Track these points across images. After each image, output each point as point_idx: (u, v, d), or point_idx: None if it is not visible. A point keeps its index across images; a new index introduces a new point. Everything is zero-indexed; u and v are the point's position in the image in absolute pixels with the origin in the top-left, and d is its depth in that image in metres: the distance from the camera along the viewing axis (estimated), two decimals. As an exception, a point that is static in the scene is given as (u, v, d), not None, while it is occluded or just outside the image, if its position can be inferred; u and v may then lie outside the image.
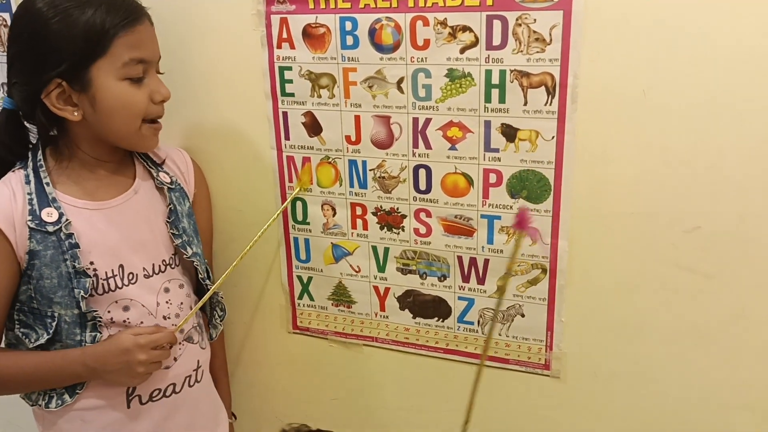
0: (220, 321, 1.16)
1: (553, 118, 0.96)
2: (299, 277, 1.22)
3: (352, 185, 1.11)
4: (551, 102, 0.95)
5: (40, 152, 0.99)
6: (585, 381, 1.07)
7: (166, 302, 1.04)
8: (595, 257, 1.00)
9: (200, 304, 1.06)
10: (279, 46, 1.08)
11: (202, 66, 1.14)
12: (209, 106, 1.17)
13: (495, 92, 0.97)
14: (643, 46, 0.89)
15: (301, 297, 1.23)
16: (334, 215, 1.14)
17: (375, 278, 1.16)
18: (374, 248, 1.14)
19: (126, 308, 1.00)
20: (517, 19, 0.93)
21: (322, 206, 1.15)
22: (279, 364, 1.30)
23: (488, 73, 0.97)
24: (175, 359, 1.06)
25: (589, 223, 0.99)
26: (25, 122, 1.00)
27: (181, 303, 1.07)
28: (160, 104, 0.99)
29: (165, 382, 1.05)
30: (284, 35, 1.06)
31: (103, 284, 0.98)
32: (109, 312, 0.99)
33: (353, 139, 1.08)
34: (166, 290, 1.05)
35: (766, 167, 0.88)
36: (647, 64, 0.89)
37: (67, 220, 0.96)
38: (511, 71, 0.95)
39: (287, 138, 1.13)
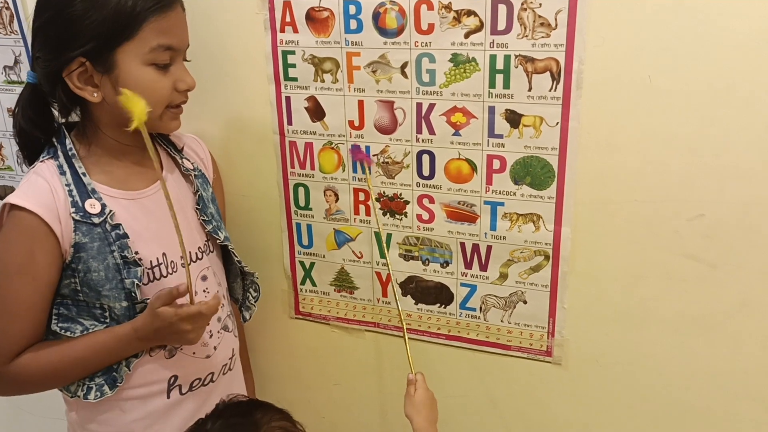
0: (254, 302, 1.15)
1: (558, 104, 0.95)
2: (302, 263, 1.22)
3: (355, 171, 1.11)
4: (556, 88, 0.94)
5: (68, 140, 0.96)
6: (587, 368, 1.07)
7: (204, 291, 1.04)
8: (598, 244, 1.00)
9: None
10: (282, 30, 1.07)
11: (205, 50, 1.13)
12: (212, 91, 1.16)
13: (499, 78, 0.97)
14: (648, 31, 0.88)
15: (303, 282, 1.23)
16: (336, 201, 1.14)
17: (377, 264, 1.15)
18: (377, 234, 1.13)
19: None
20: (522, 4, 0.92)
21: (324, 192, 1.15)
22: (281, 349, 1.31)
23: (493, 58, 0.96)
24: (215, 348, 1.05)
25: (592, 210, 0.99)
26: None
27: (218, 291, 1.07)
28: (183, 93, 0.97)
29: (205, 372, 1.05)
30: (287, 19, 1.06)
31: (149, 273, 0.97)
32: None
33: (356, 124, 1.08)
34: (204, 278, 1.04)
35: (772, 155, 0.88)
36: (653, 50, 0.88)
37: (111, 210, 0.94)
38: (516, 56, 0.95)
39: (290, 123, 1.12)
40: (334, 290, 1.21)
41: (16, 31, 1.30)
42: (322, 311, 1.24)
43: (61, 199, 0.92)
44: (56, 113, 0.98)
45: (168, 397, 1.02)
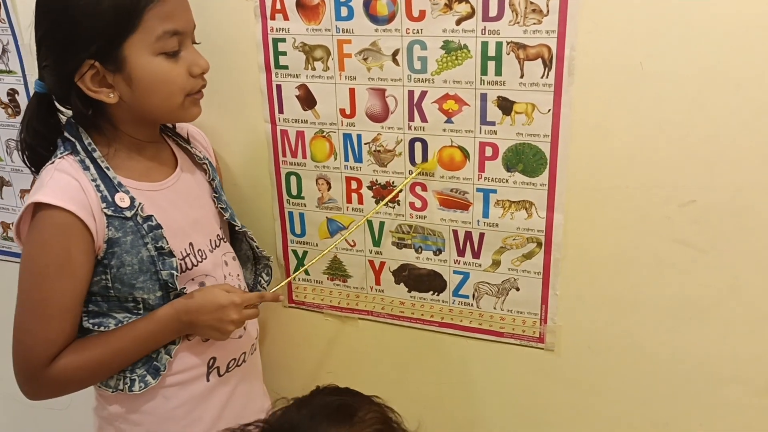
0: (266, 286, 1.16)
1: (550, 91, 0.95)
2: (294, 252, 1.22)
3: (347, 159, 1.11)
4: (548, 74, 0.94)
5: (85, 135, 0.93)
6: (579, 354, 1.08)
7: (228, 275, 1.05)
8: (590, 231, 1.00)
9: (305, 268, 1.16)
10: (272, 17, 1.06)
11: (195, 37, 1.12)
12: (202, 79, 1.15)
13: (491, 64, 0.96)
14: (640, 17, 0.88)
15: (296, 271, 1.23)
16: (328, 189, 1.14)
17: (370, 252, 1.15)
18: (370, 222, 1.13)
19: (202, 284, 1.00)
20: (513, -10, 0.92)
21: (316, 180, 1.14)
22: (275, 337, 1.31)
23: (484, 45, 0.96)
24: (245, 327, 1.06)
25: (584, 197, 0.99)
26: (59, 106, 0.96)
27: (238, 274, 1.08)
28: (199, 77, 0.94)
29: (238, 351, 1.06)
30: (278, 6, 1.05)
31: (180, 264, 0.96)
32: (185, 290, 0.97)
33: (348, 112, 1.07)
34: (226, 263, 1.05)
35: (762, 140, 0.88)
36: (644, 35, 0.88)
37: (140, 203, 0.93)
38: (508, 43, 0.94)
39: (281, 111, 1.12)
40: (327, 279, 1.21)
41: (4, 20, 1.28)
42: (315, 300, 1.24)
43: (92, 195, 0.90)
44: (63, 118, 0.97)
45: (207, 380, 1.03)
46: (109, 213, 0.91)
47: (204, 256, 1.01)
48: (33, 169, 0.97)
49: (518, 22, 0.93)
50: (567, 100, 0.94)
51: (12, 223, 1.44)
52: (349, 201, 1.13)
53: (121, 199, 0.92)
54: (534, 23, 0.92)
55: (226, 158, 1.20)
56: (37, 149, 0.95)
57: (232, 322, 0.95)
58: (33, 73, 1.31)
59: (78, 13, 0.85)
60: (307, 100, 1.09)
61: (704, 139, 0.90)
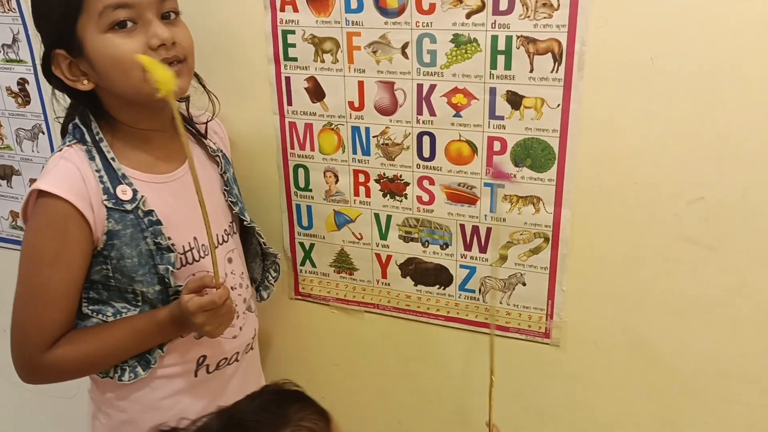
0: (274, 282, 1.16)
1: (560, 86, 0.95)
2: (301, 244, 1.22)
3: (355, 152, 1.11)
4: (558, 69, 0.94)
5: (94, 124, 0.94)
6: (585, 350, 1.08)
7: (231, 273, 1.04)
8: (598, 227, 1.00)
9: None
10: (282, 9, 1.06)
11: (205, 29, 1.12)
12: (211, 70, 1.15)
13: (501, 58, 0.96)
14: (651, 12, 0.87)
15: (303, 263, 1.23)
16: (336, 182, 1.14)
17: (377, 246, 1.16)
18: (377, 216, 1.13)
19: None
20: (524, -16, 0.91)
21: (324, 173, 1.14)
22: (281, 329, 1.31)
23: (494, 38, 0.95)
24: (241, 328, 1.06)
25: (592, 193, 0.98)
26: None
27: (242, 273, 1.07)
28: (162, 48, 0.88)
29: (232, 351, 1.06)
30: (288, -2, 1.05)
31: (181, 258, 0.96)
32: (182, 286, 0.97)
33: (356, 105, 1.07)
34: (230, 260, 1.04)
35: (774, 138, 0.88)
36: (656, 31, 0.88)
37: (142, 196, 0.93)
38: (518, 37, 0.94)
39: (290, 103, 1.12)
40: (334, 271, 1.21)
41: (14, 9, 1.28)
42: (321, 292, 1.24)
43: (93, 185, 0.90)
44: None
45: (195, 375, 1.03)
46: (110, 205, 0.91)
47: (207, 252, 1.00)
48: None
49: (529, 16, 0.92)
50: (576, 95, 0.94)
51: (21, 212, 1.45)
52: (356, 194, 1.13)
53: (123, 192, 0.92)
54: (544, 17, 0.92)
55: (234, 150, 1.19)
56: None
57: (202, 324, 0.91)
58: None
59: (38, 4, 0.88)
60: (316, 92, 1.09)
61: (714, 136, 0.90)
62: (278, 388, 0.88)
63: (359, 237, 1.16)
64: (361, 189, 1.13)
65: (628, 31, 0.89)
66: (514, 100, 0.98)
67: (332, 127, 1.10)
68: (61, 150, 0.93)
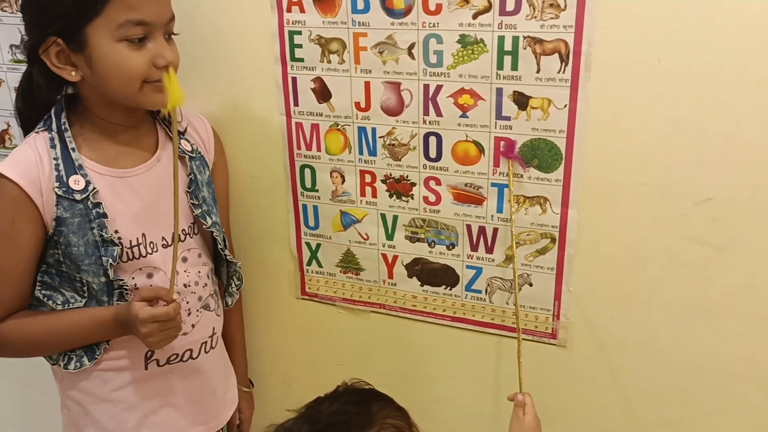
0: (237, 290, 1.16)
1: (566, 86, 0.94)
2: (308, 244, 1.22)
3: (361, 152, 1.11)
4: (564, 70, 0.94)
5: (63, 114, 0.97)
6: (591, 351, 1.07)
7: (185, 271, 1.05)
8: (605, 227, 1.00)
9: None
10: (289, 10, 1.06)
11: (211, 29, 1.13)
12: (218, 71, 1.16)
13: (507, 59, 0.96)
14: (658, 13, 0.87)
15: (309, 263, 1.23)
16: (343, 183, 1.14)
17: (383, 246, 1.16)
18: (383, 216, 1.13)
19: (150, 275, 1.01)
20: (531, -16, 0.91)
21: (331, 173, 1.14)
22: (287, 329, 1.32)
23: (501, 39, 0.95)
24: (193, 326, 1.06)
25: (599, 193, 0.98)
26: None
27: (199, 272, 1.07)
28: (164, 69, 0.93)
29: (182, 348, 1.06)
30: (294, -2, 1.05)
31: (128, 252, 0.98)
32: (133, 278, 0.99)
33: (363, 105, 1.07)
34: (184, 259, 1.05)
35: (782, 138, 0.87)
36: (663, 31, 0.88)
37: (94, 188, 0.95)
38: (525, 38, 0.94)
39: (296, 104, 1.12)
40: (340, 271, 1.21)
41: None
42: (328, 292, 1.24)
43: (46, 172, 0.94)
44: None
45: (146, 368, 1.04)
46: (60, 193, 0.93)
47: (155, 249, 1.01)
48: (23, 132, 1.01)
49: (535, 17, 0.92)
50: (583, 95, 0.94)
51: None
52: (362, 194, 1.13)
53: (76, 182, 0.94)
54: (551, 18, 0.92)
55: (240, 150, 1.20)
56: (27, 114, 1.00)
57: (146, 335, 0.92)
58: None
59: None
60: (323, 92, 1.09)
61: (722, 136, 0.89)
62: (353, 388, 0.88)
63: (365, 237, 1.16)
64: (368, 189, 1.13)
65: (635, 31, 0.89)
66: (521, 101, 0.97)
67: (339, 127, 1.11)
68: (30, 136, 0.97)
